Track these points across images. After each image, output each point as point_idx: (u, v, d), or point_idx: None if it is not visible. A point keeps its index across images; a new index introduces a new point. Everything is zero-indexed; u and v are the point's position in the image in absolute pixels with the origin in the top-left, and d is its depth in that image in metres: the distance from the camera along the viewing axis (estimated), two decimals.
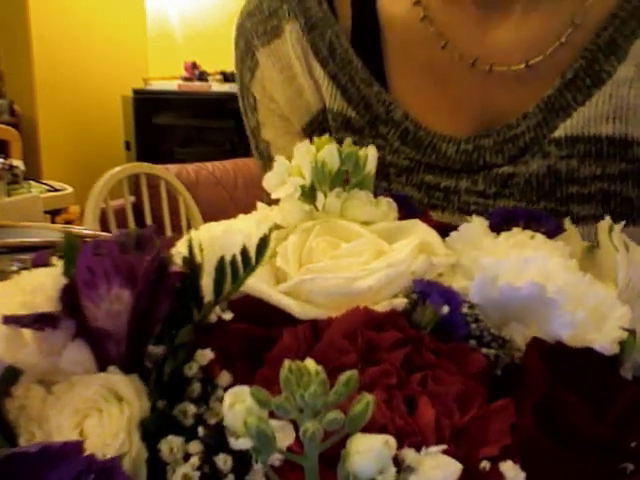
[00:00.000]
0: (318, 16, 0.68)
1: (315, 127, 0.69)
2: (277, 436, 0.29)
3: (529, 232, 0.41)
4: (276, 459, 0.31)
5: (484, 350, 0.37)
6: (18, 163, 2.73)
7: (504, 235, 0.40)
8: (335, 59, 0.67)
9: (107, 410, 0.35)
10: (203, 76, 4.10)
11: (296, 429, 0.30)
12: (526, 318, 0.37)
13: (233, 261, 0.39)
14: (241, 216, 0.47)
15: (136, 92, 4.17)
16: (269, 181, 0.46)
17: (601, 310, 0.38)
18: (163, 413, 0.36)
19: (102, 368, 0.37)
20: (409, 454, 0.30)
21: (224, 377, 0.36)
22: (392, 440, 0.28)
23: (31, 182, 2.83)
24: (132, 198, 2.77)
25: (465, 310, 0.38)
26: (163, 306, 0.37)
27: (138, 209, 2.75)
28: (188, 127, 4.17)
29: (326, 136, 0.46)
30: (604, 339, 0.36)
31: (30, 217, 2.49)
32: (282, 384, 0.29)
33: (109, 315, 0.36)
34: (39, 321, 0.35)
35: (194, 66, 4.17)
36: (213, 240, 0.42)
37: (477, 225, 0.41)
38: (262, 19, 0.70)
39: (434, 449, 0.30)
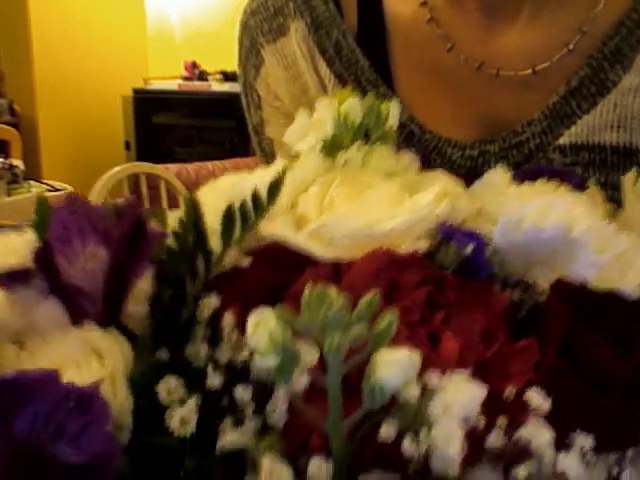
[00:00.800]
0: (324, 15, 0.70)
1: None
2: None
3: (553, 184, 0.43)
4: (299, 385, 0.32)
5: (508, 294, 0.38)
6: (18, 163, 2.76)
7: (528, 184, 0.42)
8: (341, 59, 0.69)
9: (86, 364, 0.35)
10: (203, 76, 4.17)
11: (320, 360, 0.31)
12: (550, 262, 0.39)
13: (243, 206, 0.40)
14: (258, 170, 0.48)
15: (136, 92, 4.23)
16: (291, 135, 0.48)
17: (625, 257, 0.39)
18: (158, 363, 0.36)
19: (76, 326, 0.37)
20: (432, 378, 0.31)
21: (228, 318, 0.37)
22: (416, 356, 0.29)
23: (31, 182, 2.85)
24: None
25: (489, 254, 0.39)
26: (141, 266, 0.38)
27: None
28: (188, 127, 4.22)
29: (348, 88, 0.47)
30: (629, 284, 0.37)
31: (30, 217, 2.51)
32: (304, 307, 0.30)
33: (84, 273, 0.37)
34: (11, 278, 0.36)
35: (194, 66, 4.23)
36: (229, 187, 0.44)
37: (500, 173, 0.42)
38: (267, 17, 0.72)
39: (458, 375, 0.31)
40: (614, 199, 0.61)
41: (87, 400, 0.32)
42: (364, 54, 0.68)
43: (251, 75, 0.76)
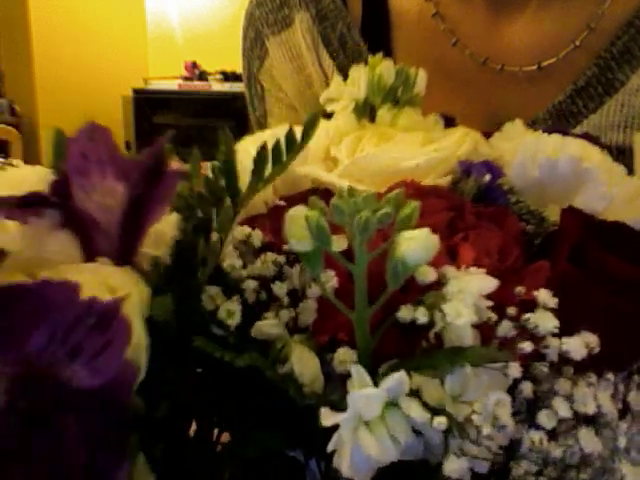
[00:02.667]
0: (329, 7, 0.74)
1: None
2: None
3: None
4: (329, 284, 0.36)
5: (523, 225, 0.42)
6: (18, 163, 2.82)
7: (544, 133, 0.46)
8: (345, 52, 0.73)
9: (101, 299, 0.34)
10: (203, 76, 4.34)
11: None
12: (563, 199, 0.42)
13: (276, 145, 0.43)
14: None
15: (136, 92, 4.37)
16: (325, 97, 0.52)
17: (634, 198, 0.42)
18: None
19: (88, 261, 0.37)
20: (450, 269, 0.35)
21: (256, 236, 0.41)
22: (435, 236, 0.32)
23: None
24: None
25: (507, 189, 0.43)
26: (159, 204, 0.37)
27: None
28: (188, 127, 4.34)
29: (380, 54, 0.52)
30: (635, 214, 0.40)
31: None
32: (336, 196, 0.34)
33: (101, 208, 0.37)
34: (25, 203, 0.35)
35: (194, 66, 4.39)
36: (260, 138, 0.48)
37: (519, 125, 0.46)
38: (273, 8, 0.77)
39: (474, 269, 0.35)
40: None
41: (109, 318, 0.31)
42: (368, 48, 0.72)
43: (255, 66, 0.79)
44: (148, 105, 4.38)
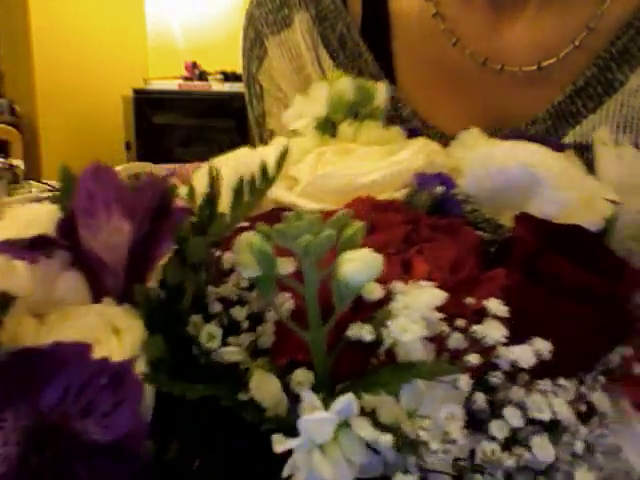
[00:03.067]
0: (329, 8, 0.74)
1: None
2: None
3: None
4: (285, 308, 0.37)
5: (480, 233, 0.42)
6: (18, 163, 2.84)
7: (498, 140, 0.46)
8: (345, 52, 0.73)
9: (106, 340, 0.35)
10: (203, 76, 4.37)
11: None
12: (518, 205, 0.43)
13: (251, 179, 0.45)
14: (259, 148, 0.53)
15: (136, 92, 4.41)
16: (287, 116, 0.53)
17: (590, 199, 0.43)
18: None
19: (97, 299, 0.38)
20: (398, 285, 0.35)
21: (227, 258, 0.42)
22: (378, 256, 0.33)
23: (31, 182, 2.93)
24: None
25: (462, 199, 0.43)
26: (165, 241, 0.38)
27: None
28: (188, 127, 4.39)
29: (339, 71, 0.52)
30: (590, 217, 0.41)
31: None
32: (283, 220, 0.35)
33: (107, 247, 0.37)
34: (34, 246, 0.36)
35: (194, 66, 4.43)
36: (231, 159, 0.49)
37: (475, 132, 0.46)
38: (272, 8, 0.77)
39: (423, 283, 0.35)
40: None
41: (120, 378, 0.32)
42: (368, 48, 0.72)
43: (254, 66, 0.80)
44: (148, 105, 4.41)
